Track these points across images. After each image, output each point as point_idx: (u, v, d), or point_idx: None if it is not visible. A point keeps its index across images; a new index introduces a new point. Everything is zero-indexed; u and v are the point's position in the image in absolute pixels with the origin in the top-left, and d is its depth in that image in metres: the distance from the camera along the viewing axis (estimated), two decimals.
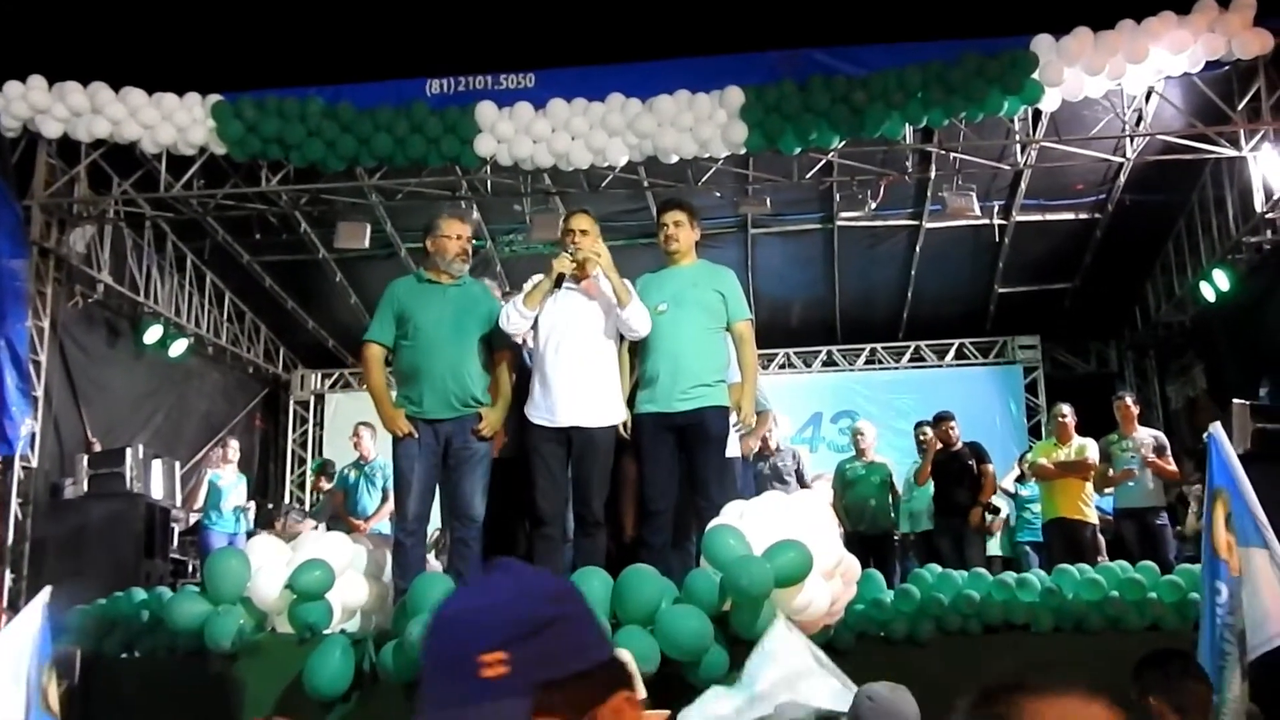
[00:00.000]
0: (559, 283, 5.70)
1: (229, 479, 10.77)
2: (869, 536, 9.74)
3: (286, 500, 14.98)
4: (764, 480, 8.80)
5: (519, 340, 6.17)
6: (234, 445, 11.29)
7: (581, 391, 5.63)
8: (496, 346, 5.86)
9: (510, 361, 5.93)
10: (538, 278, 5.82)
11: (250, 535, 10.14)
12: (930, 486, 10.34)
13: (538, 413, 5.69)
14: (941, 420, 10.02)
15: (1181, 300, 12.38)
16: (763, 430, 7.88)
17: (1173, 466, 9.17)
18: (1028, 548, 10.48)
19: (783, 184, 10.82)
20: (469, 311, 5.79)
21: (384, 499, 10.40)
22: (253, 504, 11.10)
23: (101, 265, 11.28)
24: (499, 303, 5.95)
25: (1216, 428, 4.93)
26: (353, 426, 10.98)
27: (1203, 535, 4.79)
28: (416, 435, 5.67)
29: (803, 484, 9.33)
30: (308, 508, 12.91)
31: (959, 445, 9.87)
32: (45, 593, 4.84)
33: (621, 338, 5.89)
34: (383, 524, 10.41)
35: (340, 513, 10.57)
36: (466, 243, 5.97)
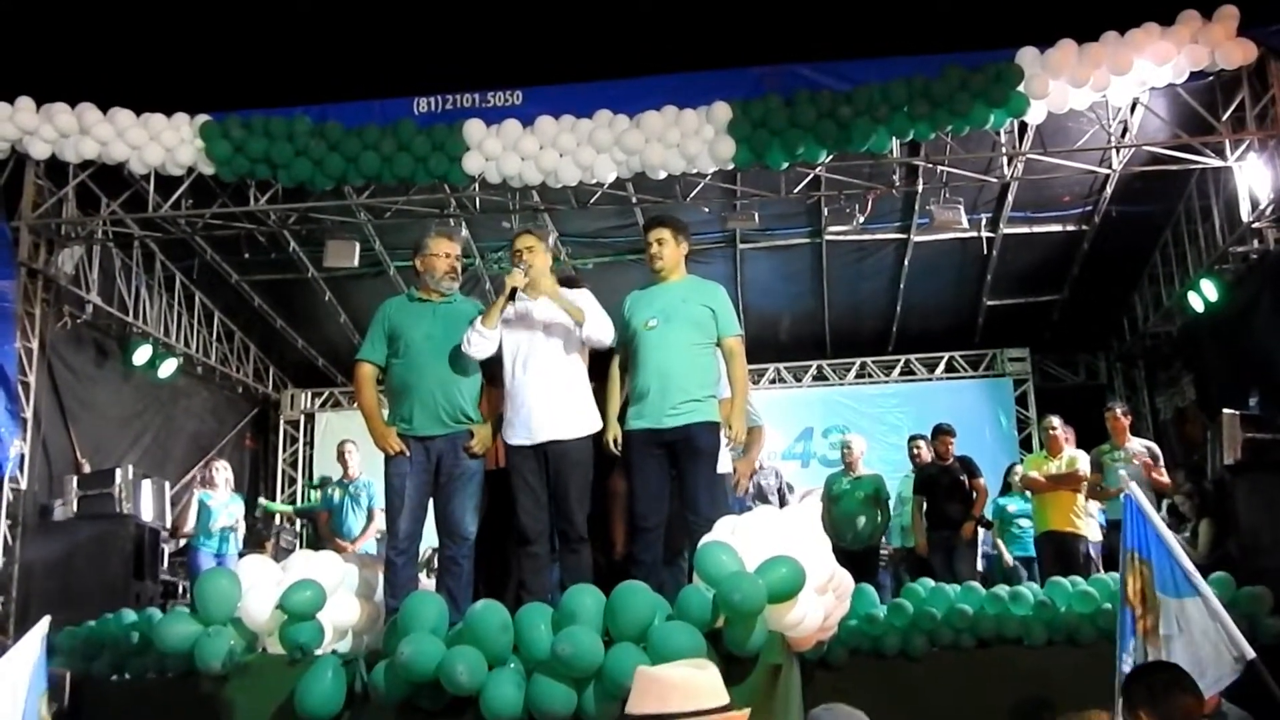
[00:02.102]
0: (513, 297, 5.71)
1: (220, 499, 10.71)
2: (855, 552, 9.57)
3: (277, 520, 14.94)
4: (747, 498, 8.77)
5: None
6: (220, 467, 11.17)
7: (553, 405, 5.63)
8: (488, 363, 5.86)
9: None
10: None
11: (241, 555, 10.09)
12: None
13: (514, 433, 5.69)
14: (940, 433, 9.99)
15: (1169, 311, 12.41)
16: (757, 449, 7.85)
17: (1165, 478, 9.18)
18: (1016, 562, 10.47)
19: (770, 199, 10.83)
20: (459, 329, 5.77)
21: (369, 519, 10.37)
22: (242, 524, 11.01)
23: (90, 286, 11.25)
24: None
25: (1133, 487, 4.99)
26: (338, 444, 10.97)
27: (1121, 587, 4.90)
28: (408, 453, 5.66)
29: (784, 502, 9.26)
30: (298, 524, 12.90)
31: (951, 460, 9.86)
32: (44, 623, 4.81)
33: (599, 352, 5.91)
34: (368, 544, 10.38)
35: (325, 533, 10.52)
36: (455, 260, 5.97)
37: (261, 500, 11.97)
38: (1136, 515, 4.82)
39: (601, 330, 5.71)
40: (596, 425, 5.76)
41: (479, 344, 5.67)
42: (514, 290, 5.70)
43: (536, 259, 5.84)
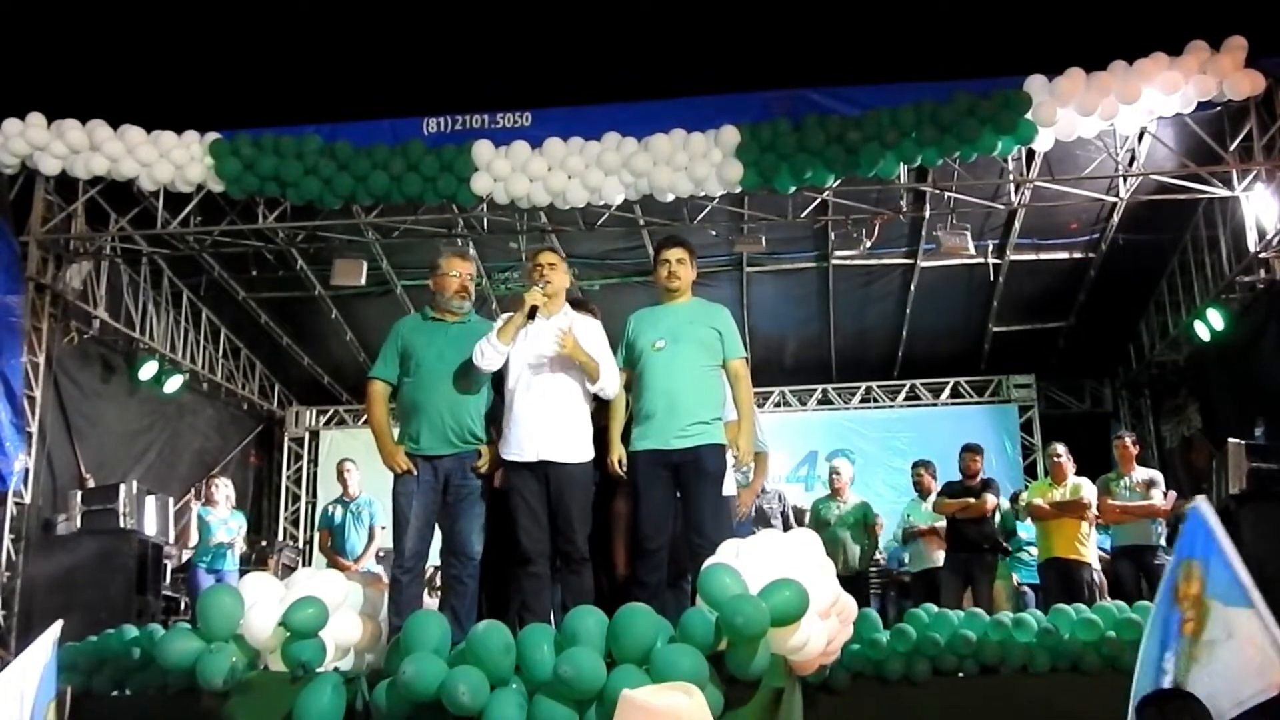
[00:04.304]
0: (531, 316, 5.69)
1: (220, 515, 10.69)
2: (844, 578, 9.47)
3: (280, 537, 14.94)
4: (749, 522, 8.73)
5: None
6: (221, 484, 11.13)
7: (551, 427, 5.60)
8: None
9: None
10: (506, 315, 5.82)
11: (243, 573, 10.05)
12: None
13: (509, 449, 5.67)
14: (965, 451, 9.89)
15: (1176, 339, 12.40)
16: (762, 476, 7.82)
17: (1161, 505, 9.15)
18: (1025, 588, 10.42)
19: (778, 222, 10.85)
20: (471, 349, 5.78)
21: (370, 537, 10.35)
22: (241, 540, 10.93)
23: (97, 301, 11.29)
24: None
25: (1202, 501, 4.96)
26: (336, 463, 10.95)
27: (1161, 593, 4.84)
28: (415, 472, 5.66)
29: (787, 526, 9.22)
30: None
31: (977, 480, 9.75)
32: (56, 627, 4.79)
33: None
34: (369, 562, 10.36)
35: (326, 552, 10.49)
36: (467, 279, 5.98)
37: None
38: (1201, 524, 4.80)
39: (613, 384, 5.71)
40: (591, 454, 5.74)
41: (491, 357, 5.65)
42: (534, 309, 5.68)
43: (556, 277, 5.84)
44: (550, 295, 5.77)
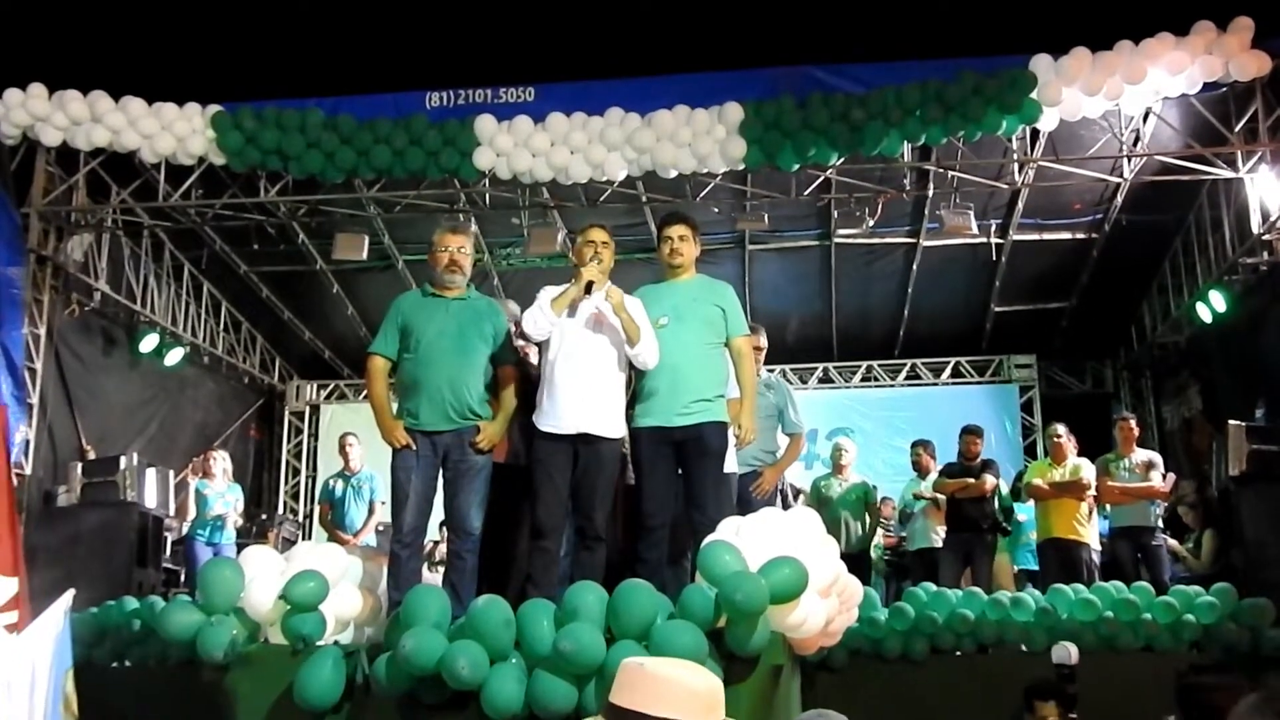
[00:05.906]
0: (588, 290, 5.66)
1: (217, 488, 10.69)
2: (845, 556, 9.48)
3: (280, 511, 14.96)
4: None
5: (531, 348, 6.12)
6: (218, 456, 11.12)
7: (590, 402, 5.56)
8: (500, 361, 5.84)
9: (513, 376, 5.90)
10: (554, 289, 5.76)
11: (240, 546, 10.06)
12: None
13: (545, 420, 5.61)
14: (966, 433, 9.90)
15: (1177, 321, 12.40)
16: (794, 457, 7.79)
17: (1160, 486, 9.16)
18: (1018, 572, 10.43)
19: (781, 200, 10.83)
20: (472, 325, 5.75)
21: (370, 511, 10.36)
22: (232, 512, 10.88)
23: (99, 273, 11.28)
24: (504, 317, 5.93)
25: None
26: (339, 437, 10.95)
27: None
28: (414, 447, 5.65)
29: (785, 504, 9.20)
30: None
31: (977, 461, 9.77)
32: (67, 597, 4.78)
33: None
34: (369, 536, 10.37)
35: (326, 526, 10.49)
36: (458, 253, 5.91)
37: None
38: None
39: (651, 353, 5.61)
40: (624, 432, 5.74)
41: (542, 326, 5.59)
42: (589, 284, 5.64)
43: (608, 255, 5.83)
44: (603, 272, 5.74)
